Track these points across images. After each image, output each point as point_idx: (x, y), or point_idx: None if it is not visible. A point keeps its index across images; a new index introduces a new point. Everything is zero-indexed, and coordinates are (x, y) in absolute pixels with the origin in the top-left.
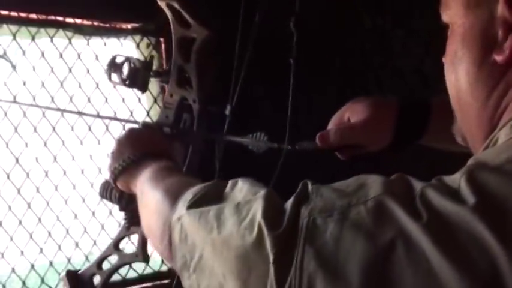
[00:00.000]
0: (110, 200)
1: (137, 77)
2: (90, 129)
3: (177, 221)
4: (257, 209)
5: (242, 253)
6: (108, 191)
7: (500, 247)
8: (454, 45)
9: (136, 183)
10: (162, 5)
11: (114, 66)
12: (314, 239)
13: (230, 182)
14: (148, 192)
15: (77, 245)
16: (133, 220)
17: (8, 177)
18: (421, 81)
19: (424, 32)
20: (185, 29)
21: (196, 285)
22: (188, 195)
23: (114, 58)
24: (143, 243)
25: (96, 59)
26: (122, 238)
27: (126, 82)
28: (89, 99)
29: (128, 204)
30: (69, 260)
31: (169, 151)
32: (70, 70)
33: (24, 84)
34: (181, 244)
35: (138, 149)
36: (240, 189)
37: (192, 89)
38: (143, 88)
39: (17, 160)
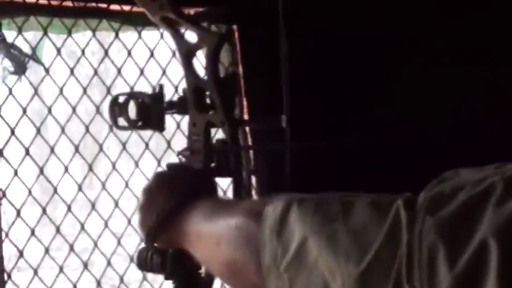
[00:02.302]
0: (152, 270)
1: (149, 114)
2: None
3: (271, 211)
4: (395, 199)
5: (371, 241)
6: (148, 260)
7: None
8: None
9: (184, 232)
10: (156, 20)
11: (118, 107)
12: (436, 209)
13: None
14: (213, 228)
15: None
16: (186, 286)
17: (45, 211)
18: None
19: None
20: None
21: (288, 287)
22: (294, 195)
23: (115, 99)
24: None
25: (152, 55)
26: None
27: (138, 124)
28: None
29: (175, 267)
30: None
31: (208, 188)
32: (119, 71)
33: (61, 91)
34: (272, 236)
35: (172, 195)
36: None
37: (216, 110)
38: (160, 127)
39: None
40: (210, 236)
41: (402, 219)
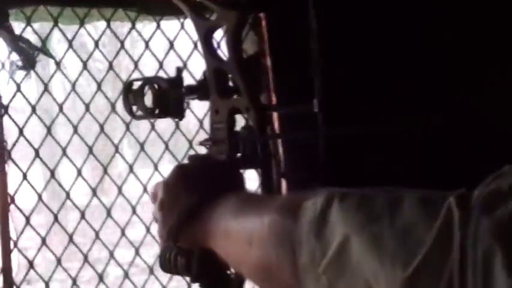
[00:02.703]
0: (176, 271)
1: (167, 101)
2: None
3: (310, 207)
4: (447, 196)
5: (420, 242)
6: (171, 261)
7: None
8: None
9: (209, 230)
10: None
11: (132, 94)
12: (493, 208)
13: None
14: (242, 226)
15: None
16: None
17: (56, 219)
18: None
19: None
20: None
21: None
22: (335, 190)
23: (130, 85)
24: None
25: (172, 47)
26: None
27: (155, 112)
28: None
29: (201, 269)
30: None
31: (234, 181)
32: (136, 65)
33: (74, 87)
34: (310, 234)
35: (195, 189)
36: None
37: (241, 94)
38: (179, 114)
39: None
40: (239, 234)
41: (454, 218)
